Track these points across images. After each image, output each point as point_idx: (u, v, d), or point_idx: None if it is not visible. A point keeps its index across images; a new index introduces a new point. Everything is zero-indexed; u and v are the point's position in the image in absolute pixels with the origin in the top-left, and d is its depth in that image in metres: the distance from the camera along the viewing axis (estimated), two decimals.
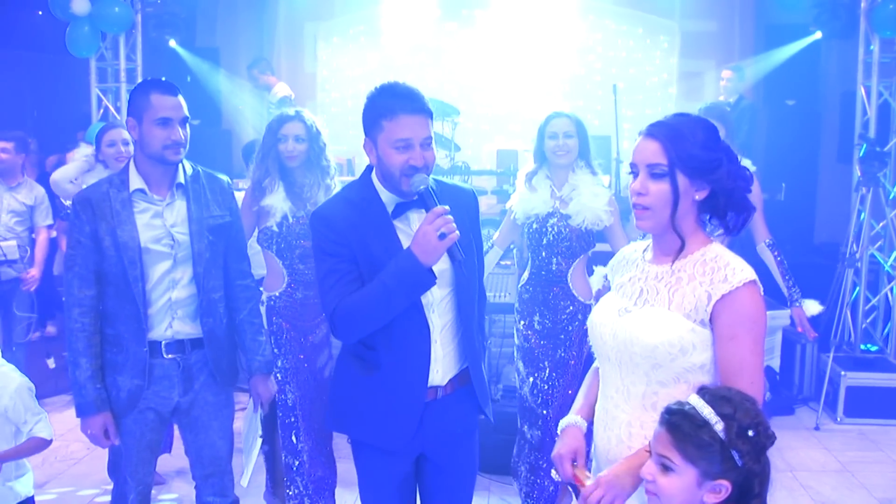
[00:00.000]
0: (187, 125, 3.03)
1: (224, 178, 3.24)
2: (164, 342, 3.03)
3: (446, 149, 6.40)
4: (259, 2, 8.51)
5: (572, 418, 2.35)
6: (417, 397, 2.63)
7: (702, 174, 2.06)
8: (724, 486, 1.78)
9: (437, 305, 2.64)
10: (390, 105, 2.52)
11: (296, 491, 4.05)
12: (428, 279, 2.46)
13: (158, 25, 7.42)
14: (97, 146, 4.88)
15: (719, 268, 2.06)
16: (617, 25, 8.33)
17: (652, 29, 8.37)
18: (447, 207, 2.46)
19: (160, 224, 3.01)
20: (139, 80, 7.14)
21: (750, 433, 1.76)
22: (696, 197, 2.08)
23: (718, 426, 1.77)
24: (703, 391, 1.86)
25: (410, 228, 2.60)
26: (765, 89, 8.38)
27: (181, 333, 3.06)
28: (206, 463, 3.22)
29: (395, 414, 2.64)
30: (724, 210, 2.10)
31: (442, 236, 2.40)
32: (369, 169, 2.68)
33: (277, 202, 3.87)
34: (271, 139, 3.92)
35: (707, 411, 1.79)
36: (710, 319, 2.04)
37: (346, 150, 7.50)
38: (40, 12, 7.73)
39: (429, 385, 2.65)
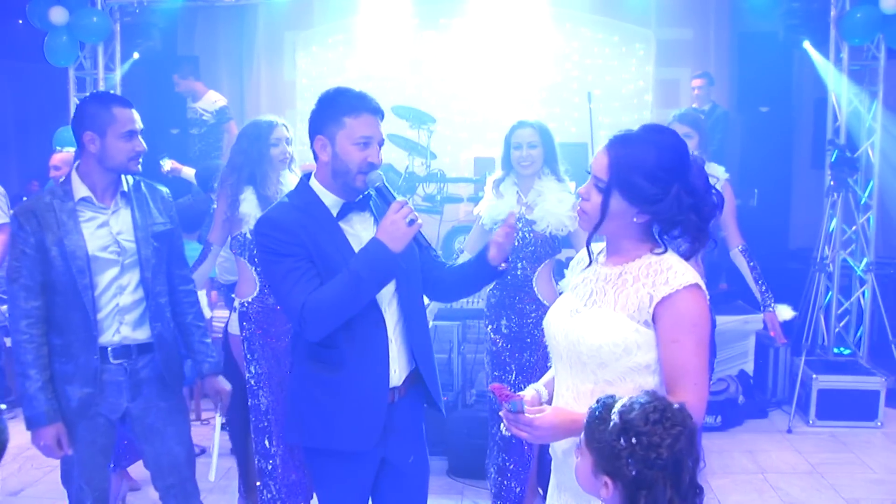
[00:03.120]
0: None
1: (164, 189, 3.31)
2: (110, 348, 3.07)
3: (422, 156, 6.45)
4: (238, 11, 8.52)
5: (535, 384, 2.44)
6: (382, 393, 2.69)
7: (639, 202, 2.10)
8: (608, 483, 1.78)
9: (388, 304, 2.72)
10: (354, 104, 2.65)
11: (269, 495, 4.07)
12: (397, 265, 2.58)
13: (137, 35, 7.43)
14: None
15: (662, 271, 2.10)
16: (593, 34, 8.38)
17: (628, 37, 8.43)
18: (406, 199, 2.62)
19: (106, 232, 3.06)
20: (118, 89, 7.19)
21: (633, 440, 1.73)
22: (635, 220, 2.13)
23: (611, 423, 1.77)
24: (648, 393, 1.85)
25: (353, 229, 2.71)
26: (738, 96, 8.48)
27: (128, 339, 3.10)
28: (167, 473, 3.24)
29: (361, 414, 2.68)
30: (670, 232, 2.15)
31: (411, 223, 2.53)
32: (306, 177, 2.78)
33: (250, 209, 3.93)
34: (261, 145, 3.97)
35: (615, 407, 1.80)
36: (654, 321, 2.09)
37: None
38: (20, 21, 7.74)
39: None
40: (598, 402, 1.86)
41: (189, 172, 6.15)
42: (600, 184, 2.14)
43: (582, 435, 1.87)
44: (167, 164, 6.20)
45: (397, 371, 2.74)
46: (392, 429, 2.76)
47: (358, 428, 2.69)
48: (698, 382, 2.04)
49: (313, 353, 2.72)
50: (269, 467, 4.04)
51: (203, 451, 4.93)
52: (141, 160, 3.09)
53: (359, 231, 2.72)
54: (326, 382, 2.70)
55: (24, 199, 6.40)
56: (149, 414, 3.17)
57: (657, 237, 2.18)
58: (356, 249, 2.64)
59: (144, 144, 3.08)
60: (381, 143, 2.69)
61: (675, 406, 1.80)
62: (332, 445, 2.74)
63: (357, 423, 2.69)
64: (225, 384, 3.40)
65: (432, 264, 2.90)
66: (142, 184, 3.21)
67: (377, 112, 2.68)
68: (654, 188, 2.08)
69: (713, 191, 2.14)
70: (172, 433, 3.22)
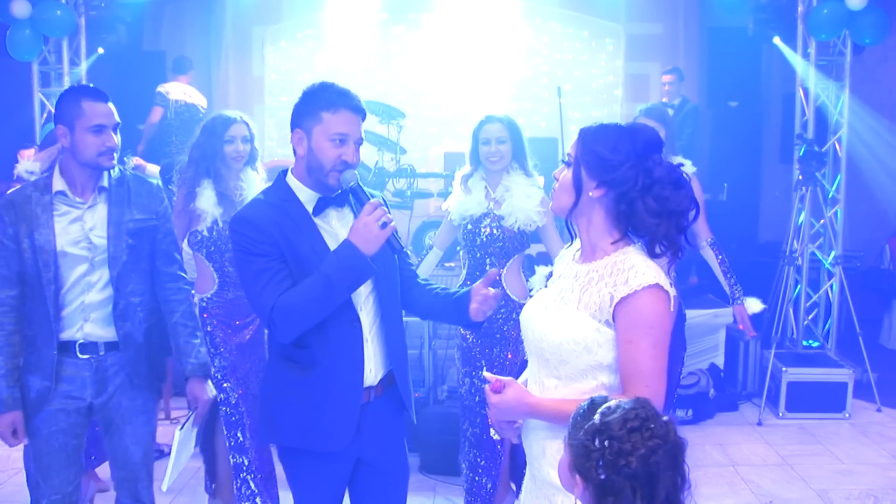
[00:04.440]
0: (118, 130, 3.04)
1: (155, 181, 3.24)
2: (77, 342, 3.01)
3: (392, 152, 6.42)
4: (206, 6, 8.44)
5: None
6: (355, 394, 2.65)
7: (597, 171, 2.11)
8: (579, 482, 1.73)
9: (364, 303, 2.68)
10: (334, 99, 2.59)
11: (248, 491, 4.01)
12: (369, 268, 2.52)
13: (102, 29, 7.32)
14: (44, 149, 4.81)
15: (623, 270, 2.08)
16: (563, 28, 8.40)
17: (597, 32, 8.45)
18: (381, 200, 2.56)
19: (79, 227, 3.00)
20: (84, 84, 7.07)
21: (605, 443, 1.67)
22: (591, 194, 2.13)
23: (590, 423, 1.72)
24: (637, 400, 1.77)
25: (330, 226, 2.66)
26: (708, 91, 8.52)
27: (93, 336, 3.03)
28: (120, 466, 3.19)
29: (334, 414, 2.64)
30: (628, 221, 2.12)
31: (383, 226, 2.48)
32: (283, 173, 2.72)
33: (208, 206, 3.89)
34: (214, 141, 3.92)
35: (601, 409, 1.74)
36: (613, 320, 2.07)
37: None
38: None
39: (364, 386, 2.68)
40: (589, 399, 1.80)
41: (153, 170, 6.09)
42: (567, 158, 2.18)
43: (566, 433, 1.83)
44: (132, 162, 6.11)
45: (373, 370, 2.70)
46: (367, 428, 2.71)
47: (331, 428, 2.65)
48: (651, 385, 2.01)
49: (286, 353, 2.67)
50: (246, 462, 3.99)
51: (163, 454, 4.88)
52: (116, 156, 3.01)
53: (336, 228, 2.66)
54: (299, 382, 2.66)
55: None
56: (110, 409, 3.11)
57: (627, 234, 2.16)
58: (332, 246, 2.58)
59: (116, 140, 3.00)
60: (359, 143, 2.62)
61: (664, 419, 1.72)
62: (305, 445, 2.70)
63: (330, 423, 2.65)
64: (206, 391, 3.25)
65: (409, 281, 2.86)
66: (128, 178, 3.13)
67: (358, 111, 2.61)
68: (611, 156, 2.09)
69: (688, 193, 2.12)
70: (130, 432, 3.15)
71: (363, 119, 2.65)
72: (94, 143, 2.95)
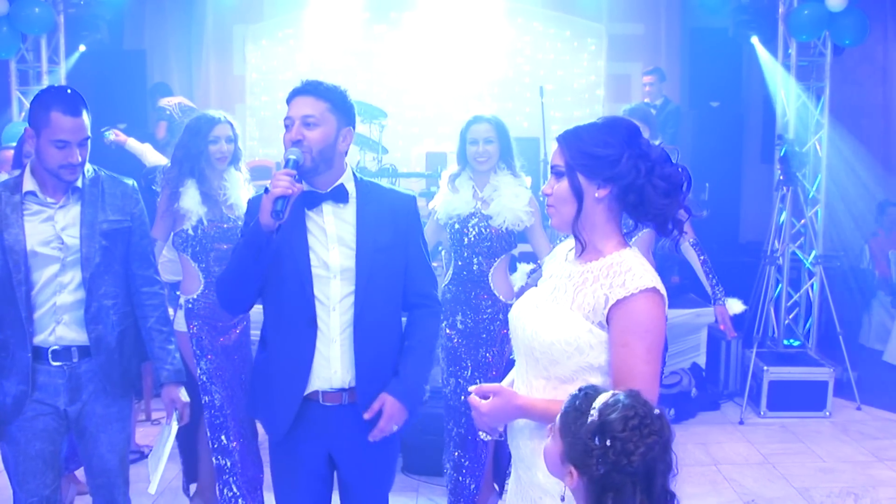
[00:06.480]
0: (88, 143, 2.94)
1: (130, 182, 3.15)
2: (49, 349, 2.95)
3: (374, 151, 6.40)
4: (187, 4, 8.39)
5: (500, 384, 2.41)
6: (295, 390, 2.69)
7: (597, 171, 2.08)
8: (573, 472, 1.73)
9: (339, 304, 2.67)
10: (289, 94, 2.69)
11: (230, 494, 3.98)
12: (262, 237, 2.56)
13: (82, 27, 7.24)
14: (20, 149, 4.76)
15: (620, 272, 2.06)
16: (545, 28, 8.41)
17: (579, 32, 8.48)
18: (292, 172, 2.54)
19: (50, 227, 2.93)
20: (63, 82, 6.98)
21: (607, 442, 1.67)
22: (596, 195, 2.10)
23: (589, 419, 1.71)
24: (631, 394, 1.76)
25: (322, 219, 2.68)
26: (689, 91, 8.55)
27: (65, 339, 2.96)
28: (96, 473, 3.14)
29: (276, 403, 2.73)
30: (639, 209, 2.09)
31: (265, 191, 2.52)
32: None
33: (192, 206, 3.86)
34: (199, 141, 3.90)
35: (597, 402, 1.73)
36: (607, 322, 2.05)
37: (276, 154, 7.47)
38: None
39: (330, 387, 2.70)
40: (580, 390, 1.78)
41: (135, 145, 5.86)
42: (556, 169, 2.14)
43: (557, 419, 1.80)
44: (111, 135, 5.90)
45: (338, 373, 2.69)
46: (339, 430, 2.72)
47: (272, 414, 2.75)
48: (644, 389, 1.94)
49: (262, 332, 2.83)
50: (228, 464, 3.96)
51: (143, 456, 4.85)
52: (79, 170, 2.93)
53: (327, 223, 2.67)
54: (259, 357, 2.82)
55: None
56: (84, 417, 3.05)
57: (639, 224, 2.15)
58: (318, 240, 2.65)
59: (80, 157, 2.89)
60: (305, 121, 2.61)
61: (656, 412, 1.72)
62: (255, 417, 2.97)
63: (273, 409, 2.74)
64: (182, 395, 3.20)
65: (408, 285, 2.83)
66: (102, 178, 3.06)
67: (303, 93, 2.65)
68: (605, 152, 2.07)
69: (679, 167, 2.09)
70: (105, 440, 3.09)
71: (314, 96, 2.64)
72: (56, 157, 2.86)
